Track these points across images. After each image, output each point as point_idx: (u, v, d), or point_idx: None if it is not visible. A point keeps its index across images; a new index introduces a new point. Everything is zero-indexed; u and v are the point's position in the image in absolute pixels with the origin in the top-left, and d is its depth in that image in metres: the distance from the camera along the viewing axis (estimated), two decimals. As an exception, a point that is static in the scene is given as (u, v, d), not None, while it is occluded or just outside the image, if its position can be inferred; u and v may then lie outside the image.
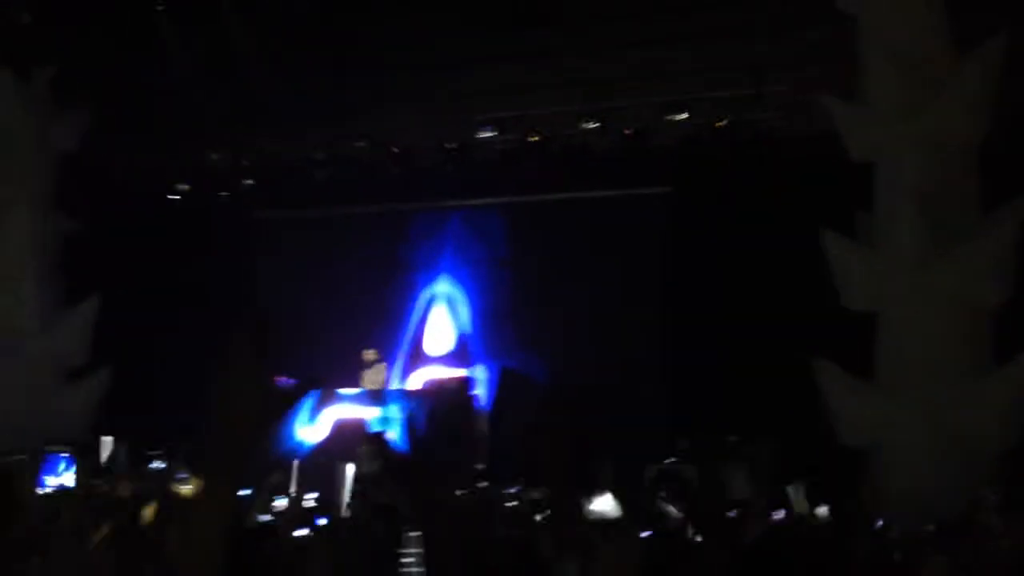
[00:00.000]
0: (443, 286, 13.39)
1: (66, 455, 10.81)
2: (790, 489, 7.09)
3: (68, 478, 10.69)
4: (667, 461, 9.61)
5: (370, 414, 10.43)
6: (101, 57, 11.36)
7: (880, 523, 6.23)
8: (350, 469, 8.19)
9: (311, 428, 10.34)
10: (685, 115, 11.64)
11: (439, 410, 2.30)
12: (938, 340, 8.06)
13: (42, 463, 10.43)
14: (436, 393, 11.62)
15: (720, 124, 11.60)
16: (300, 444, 9.86)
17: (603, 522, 3.87)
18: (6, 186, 11.35)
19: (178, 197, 13.48)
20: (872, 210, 8.69)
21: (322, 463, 8.70)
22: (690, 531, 3.75)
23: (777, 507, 6.59)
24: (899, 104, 8.58)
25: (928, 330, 8.10)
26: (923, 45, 8.65)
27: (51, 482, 10.24)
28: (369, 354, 11.83)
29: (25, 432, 9.06)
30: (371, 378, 11.67)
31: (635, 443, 10.01)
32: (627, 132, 11.97)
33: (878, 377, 8.30)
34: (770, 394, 9.78)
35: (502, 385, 12.22)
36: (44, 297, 11.15)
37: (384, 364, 12.02)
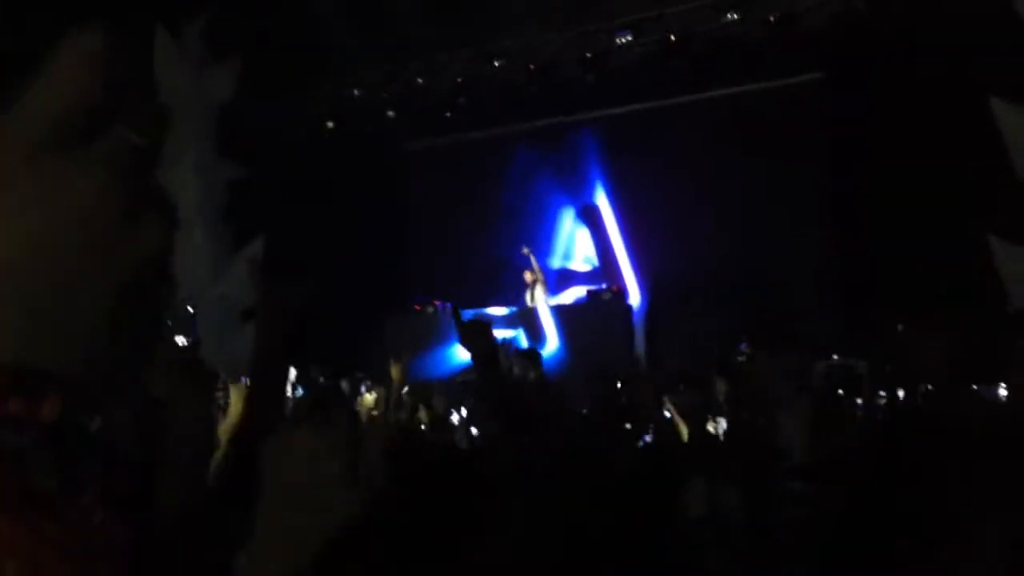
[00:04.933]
0: (595, 198, 13.30)
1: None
2: None
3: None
4: (834, 357, 9.31)
5: (518, 333, 10.60)
6: (247, 4, 11.68)
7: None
8: None
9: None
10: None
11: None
12: None
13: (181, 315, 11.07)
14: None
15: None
16: (455, 366, 10.16)
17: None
18: (172, 141, 11.98)
19: (325, 136, 13.85)
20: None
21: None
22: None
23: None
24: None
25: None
26: None
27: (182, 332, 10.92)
28: (528, 275, 11.97)
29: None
30: (533, 297, 11.84)
31: (801, 338, 9.72)
32: (771, 19, 11.32)
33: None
34: (946, 279, 9.20)
35: (657, 294, 12.10)
36: (215, 244, 11.78)
37: (544, 283, 12.13)
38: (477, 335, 2.44)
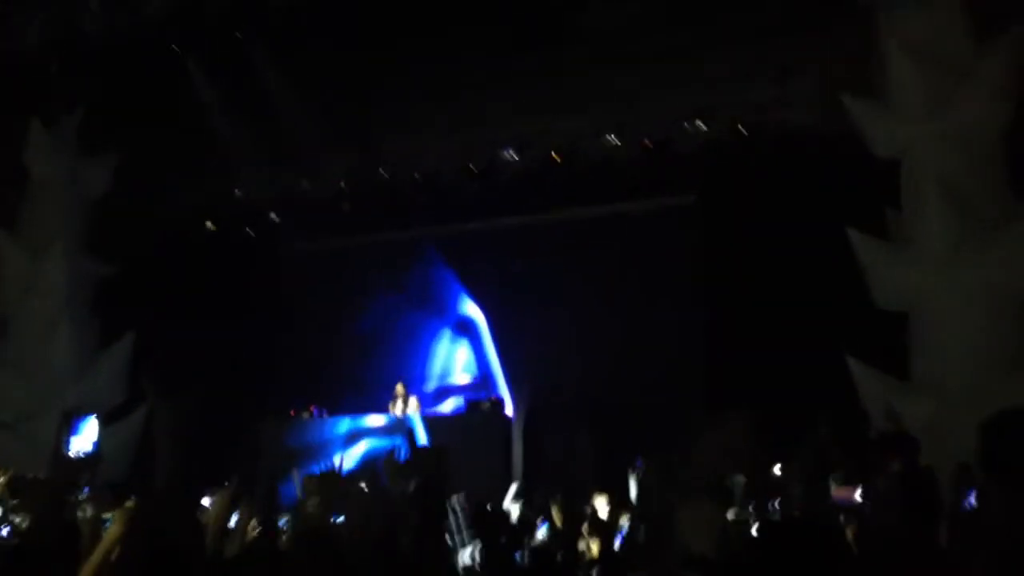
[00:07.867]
0: (470, 310, 13.38)
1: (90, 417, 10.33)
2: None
3: (90, 440, 10.22)
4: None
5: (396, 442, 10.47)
6: (127, 100, 11.51)
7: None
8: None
9: (342, 457, 10.37)
10: (701, 122, 11.58)
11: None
12: (973, 334, 7.89)
13: (70, 426, 9.94)
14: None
15: (742, 128, 11.49)
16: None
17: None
18: (40, 232, 11.55)
19: (205, 235, 13.56)
20: (900, 207, 8.58)
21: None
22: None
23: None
24: (922, 98, 8.48)
25: (963, 324, 7.93)
26: (944, 38, 8.55)
27: (75, 444, 9.81)
28: (399, 388, 11.92)
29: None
30: (401, 410, 11.77)
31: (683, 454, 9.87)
32: (647, 143, 11.89)
33: (913, 374, 8.15)
34: (807, 398, 9.59)
35: (533, 406, 12.16)
36: (81, 340, 11.30)
37: (414, 396, 12.07)
38: (430, 464, 2.42)
